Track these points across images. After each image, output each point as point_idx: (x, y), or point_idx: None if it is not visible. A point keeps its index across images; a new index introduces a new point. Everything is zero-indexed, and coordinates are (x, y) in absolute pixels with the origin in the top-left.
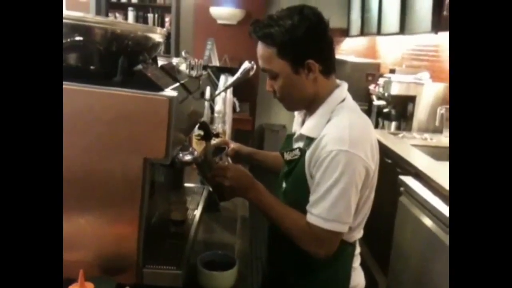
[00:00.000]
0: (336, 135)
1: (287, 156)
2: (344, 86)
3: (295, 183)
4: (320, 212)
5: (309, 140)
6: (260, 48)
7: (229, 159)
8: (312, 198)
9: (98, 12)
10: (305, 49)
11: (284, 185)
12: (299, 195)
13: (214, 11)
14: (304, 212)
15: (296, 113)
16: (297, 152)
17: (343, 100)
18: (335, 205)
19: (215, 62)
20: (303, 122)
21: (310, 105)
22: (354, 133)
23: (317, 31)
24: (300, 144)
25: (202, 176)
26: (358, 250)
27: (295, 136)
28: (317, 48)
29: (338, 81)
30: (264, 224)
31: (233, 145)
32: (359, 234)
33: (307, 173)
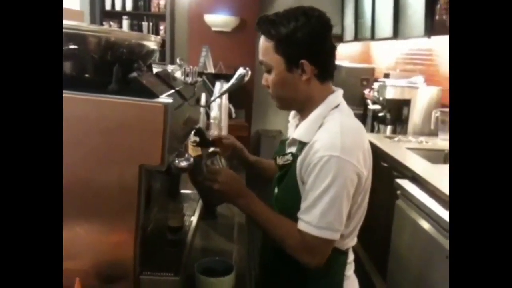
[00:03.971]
0: (327, 141)
1: (280, 161)
2: (339, 92)
3: (286, 188)
4: (311, 220)
5: (302, 145)
6: (261, 40)
7: (222, 162)
8: (303, 205)
9: (92, 21)
10: (301, 50)
11: (276, 190)
12: (291, 201)
13: (209, 18)
14: (296, 218)
15: (290, 117)
16: (289, 157)
17: (337, 106)
18: (326, 212)
19: (210, 69)
20: (297, 127)
21: (302, 108)
22: (346, 139)
23: (317, 36)
24: (293, 149)
25: (191, 180)
26: (351, 257)
27: (288, 141)
28: (313, 52)
29: (334, 87)
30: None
31: (233, 141)
32: (352, 241)
33: (298, 179)
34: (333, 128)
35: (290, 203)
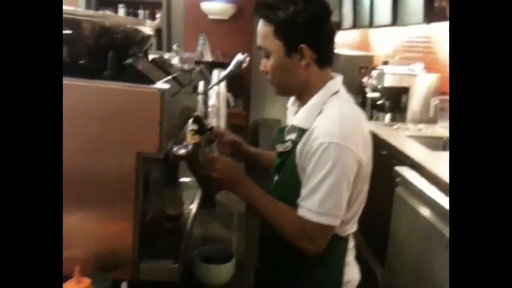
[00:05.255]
0: (326, 128)
1: (279, 148)
2: (339, 78)
3: (286, 175)
4: (311, 206)
5: (301, 132)
6: (260, 24)
7: (217, 150)
8: (303, 191)
9: (87, 8)
10: (301, 34)
11: (276, 178)
12: (290, 188)
13: (205, 6)
14: (296, 205)
15: (289, 104)
16: (289, 144)
17: (336, 92)
18: (326, 199)
19: (208, 58)
20: (296, 114)
21: (301, 94)
22: (345, 125)
23: (317, 20)
24: (292, 136)
25: (189, 168)
26: (352, 244)
27: (287, 128)
28: (313, 36)
29: (333, 73)
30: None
31: (233, 137)
32: (352, 228)
33: (298, 166)
34: (332, 115)
35: (290, 190)
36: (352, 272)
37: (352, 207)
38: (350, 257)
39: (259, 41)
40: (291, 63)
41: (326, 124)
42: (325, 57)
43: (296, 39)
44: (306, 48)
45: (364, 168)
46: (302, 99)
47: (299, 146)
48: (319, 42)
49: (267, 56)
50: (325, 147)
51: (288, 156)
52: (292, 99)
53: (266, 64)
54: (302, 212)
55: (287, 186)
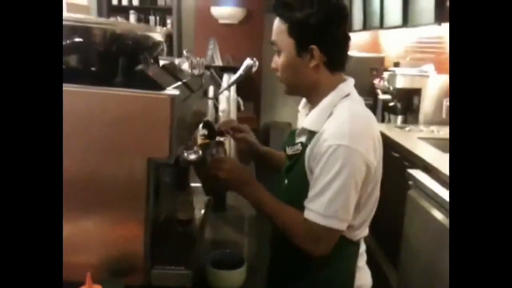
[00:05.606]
0: (336, 130)
1: (289, 151)
2: (350, 81)
3: (295, 178)
4: (318, 208)
5: (311, 134)
6: (276, 22)
7: (228, 151)
8: (310, 193)
9: (99, 16)
10: (312, 35)
11: (286, 180)
12: (299, 190)
13: (215, 10)
14: (304, 208)
15: (300, 107)
16: (299, 146)
17: (347, 95)
18: (333, 201)
19: (218, 62)
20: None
21: (309, 94)
22: (354, 127)
23: (329, 24)
24: (302, 139)
25: (194, 169)
26: (363, 248)
27: (298, 130)
28: (324, 39)
29: (345, 76)
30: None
31: (246, 136)
32: (363, 232)
33: (307, 168)
34: (342, 117)
35: (299, 193)
36: (364, 276)
37: (362, 211)
38: (362, 262)
39: (273, 36)
40: (301, 62)
41: (336, 126)
42: (335, 61)
43: (307, 39)
44: (316, 50)
45: (374, 172)
46: (312, 101)
47: (308, 149)
48: (330, 46)
49: (279, 53)
50: (333, 149)
51: (297, 159)
52: (303, 101)
53: (277, 62)
54: (309, 214)
55: (296, 189)
